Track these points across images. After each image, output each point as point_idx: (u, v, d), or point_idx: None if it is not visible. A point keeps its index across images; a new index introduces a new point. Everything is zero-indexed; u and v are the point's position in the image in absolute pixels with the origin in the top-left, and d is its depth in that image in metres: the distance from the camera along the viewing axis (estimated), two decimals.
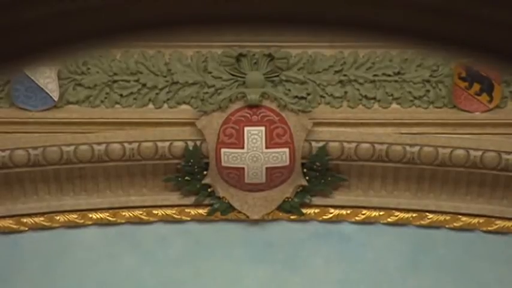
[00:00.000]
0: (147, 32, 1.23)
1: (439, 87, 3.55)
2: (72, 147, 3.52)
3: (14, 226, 3.60)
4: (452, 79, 3.54)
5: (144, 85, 3.58)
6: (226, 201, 3.62)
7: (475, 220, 3.60)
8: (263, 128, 3.53)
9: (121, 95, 3.60)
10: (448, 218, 3.61)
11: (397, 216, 3.62)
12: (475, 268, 3.63)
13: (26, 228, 3.61)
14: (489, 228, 3.60)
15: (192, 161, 3.57)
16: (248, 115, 3.57)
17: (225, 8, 1.11)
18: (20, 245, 3.63)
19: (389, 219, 3.61)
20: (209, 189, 3.62)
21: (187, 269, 3.63)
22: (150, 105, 3.58)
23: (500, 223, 3.59)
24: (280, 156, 3.54)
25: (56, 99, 3.53)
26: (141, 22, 1.12)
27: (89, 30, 1.12)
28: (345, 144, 3.55)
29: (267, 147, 3.55)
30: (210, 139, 3.54)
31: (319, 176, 3.62)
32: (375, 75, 3.57)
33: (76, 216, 3.60)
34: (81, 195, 3.64)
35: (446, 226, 3.62)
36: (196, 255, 3.63)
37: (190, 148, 3.56)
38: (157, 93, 3.59)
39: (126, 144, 3.54)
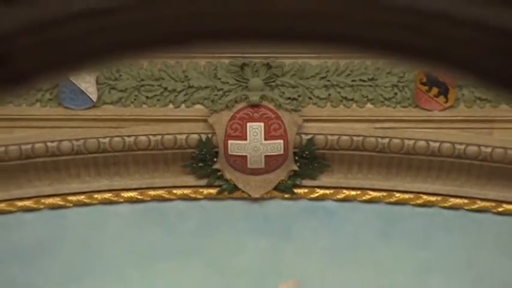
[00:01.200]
0: (168, 46, 1.32)
1: (405, 91, 4.14)
2: (107, 139, 4.15)
3: (61, 203, 4.22)
4: (415, 84, 4.13)
5: (165, 89, 4.18)
6: (232, 183, 4.20)
7: (434, 198, 4.19)
8: (262, 124, 4.11)
9: (147, 97, 4.20)
10: (412, 196, 4.21)
11: (370, 195, 4.21)
12: (434, 237, 4.23)
13: (71, 205, 4.25)
14: (445, 205, 4.20)
15: (204, 150, 4.17)
16: (250, 113, 4.13)
17: (232, 26, 1.22)
18: (65, 218, 4.30)
19: (364, 198, 4.21)
20: (218, 173, 4.20)
21: (201, 238, 4.21)
22: (171, 105, 4.18)
23: (454, 200, 4.19)
24: (276, 146, 4.14)
25: (94, 100, 4.14)
26: (163, 38, 1.24)
27: (122, 44, 1.23)
28: (329, 136, 4.15)
29: (265, 139, 4.12)
30: (219, 133, 4.14)
31: (308, 162, 4.19)
32: (353, 81, 4.17)
33: (111, 195, 4.21)
34: (115, 177, 4.27)
35: (411, 203, 4.22)
36: (208, 227, 4.23)
37: (203, 140, 4.14)
38: (176, 95, 4.19)
39: (151, 137, 4.15)
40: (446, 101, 4.06)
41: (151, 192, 4.19)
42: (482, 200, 4.17)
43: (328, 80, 4.12)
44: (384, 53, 1.20)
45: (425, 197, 4.16)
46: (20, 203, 4.12)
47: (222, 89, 4.13)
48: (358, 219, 4.21)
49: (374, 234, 4.18)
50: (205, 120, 4.12)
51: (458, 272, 4.14)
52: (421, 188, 4.18)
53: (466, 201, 4.12)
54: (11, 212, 4.19)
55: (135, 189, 4.21)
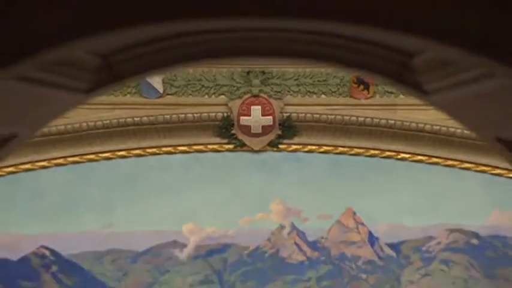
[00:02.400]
0: (204, 59, 2.06)
1: (344, 86, 6.94)
2: (168, 116, 7.00)
3: (138, 152, 7.12)
4: (350, 82, 6.92)
5: (202, 85, 7.01)
6: (242, 141, 7.04)
7: (362, 150, 7.01)
8: (260, 107, 6.93)
9: (192, 90, 7.05)
10: (349, 149, 7.09)
11: (324, 149, 7.09)
12: (362, 173, 7.13)
13: (147, 154, 7.17)
14: (367, 154, 7.11)
15: (226, 122, 7.00)
16: (253, 100, 6.95)
17: (241, 47, 1.89)
18: (143, 162, 7.18)
19: (320, 150, 7.10)
20: (234, 136, 7.03)
21: (223, 173, 7.09)
22: (206, 96, 7.01)
23: (373, 151, 7.02)
24: (268, 120, 6.98)
25: (161, 92, 6.96)
26: (199, 54, 1.87)
27: (177, 58, 1.85)
28: (300, 114, 7.01)
29: (261, 116, 6.95)
30: (234, 112, 6.97)
31: (287, 129, 7.02)
32: (313, 81, 6.98)
33: (171, 149, 7.06)
34: (172, 139, 7.15)
35: (348, 153, 7.11)
36: (227, 167, 7.12)
37: (225, 116, 6.97)
38: (209, 89, 7.00)
39: (194, 114, 7.01)
40: (368, 93, 6.89)
41: (195, 147, 7.09)
42: (391, 151, 7.07)
43: (299, 81, 6.97)
44: (327, 63, 2.05)
45: (356, 149, 7.04)
46: (120, 153, 7.04)
47: (236, 86, 6.97)
48: (317, 161, 7.12)
49: (325, 171, 7.07)
50: (226, 105, 6.95)
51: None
52: (354, 144, 7.04)
53: (378, 151, 7.01)
54: (111, 158, 7.11)
55: (184, 145, 7.10)
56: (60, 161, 6.96)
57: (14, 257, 6.48)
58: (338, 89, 6.91)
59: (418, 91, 2.10)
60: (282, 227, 6.99)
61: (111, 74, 2.06)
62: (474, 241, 6.71)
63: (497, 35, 1.40)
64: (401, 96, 6.87)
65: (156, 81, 6.92)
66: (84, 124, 6.91)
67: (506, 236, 6.81)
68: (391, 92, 6.91)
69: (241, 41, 1.88)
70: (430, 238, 6.77)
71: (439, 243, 6.64)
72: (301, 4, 1.33)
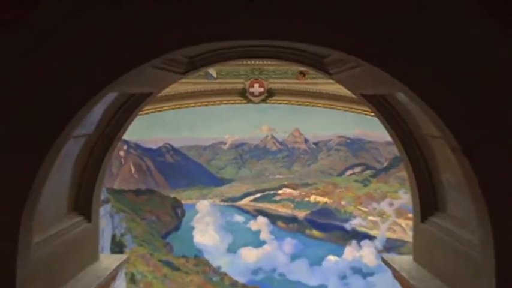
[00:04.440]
0: (235, 59, 4.88)
1: (294, 75, 15.27)
2: (217, 87, 15.43)
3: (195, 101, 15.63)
4: (296, 73, 15.24)
5: (233, 74, 15.35)
6: (250, 99, 15.65)
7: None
8: (258, 84, 15.49)
9: (228, 76, 15.39)
10: (301, 103, 15.65)
11: (286, 102, 15.69)
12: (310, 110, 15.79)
13: (195, 106, 15.66)
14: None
15: (243, 91, 15.57)
16: (254, 81, 15.48)
17: (248, 53, 4.59)
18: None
19: (285, 103, 15.69)
20: (247, 96, 15.61)
21: (235, 115, 17.61)
22: (235, 79, 15.39)
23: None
24: (261, 90, 15.54)
25: (214, 76, 15.29)
26: (233, 57, 4.49)
27: (224, 58, 4.60)
28: (276, 86, 15.49)
29: (258, 88, 15.53)
30: (246, 86, 15.54)
31: (270, 94, 15.59)
32: (282, 72, 15.35)
33: (210, 104, 15.69)
34: (214, 98, 15.62)
35: (302, 106, 15.69)
36: (239, 112, 16.26)
37: (242, 88, 15.50)
38: (235, 75, 15.38)
39: (228, 86, 15.46)
40: (304, 77, 15.20)
41: (229, 102, 15.59)
42: (317, 104, 15.65)
43: (275, 72, 15.28)
44: (284, 61, 5.15)
45: (297, 101, 15.58)
46: (192, 105, 15.45)
47: (247, 74, 15.37)
48: (284, 109, 15.70)
49: (287, 112, 15.92)
50: (243, 83, 15.42)
51: None
52: (299, 102, 15.60)
53: (309, 103, 15.54)
54: (192, 106, 15.60)
55: (223, 101, 15.62)
56: (171, 106, 15.49)
57: (155, 146, 20.07)
58: (292, 75, 15.22)
59: (326, 74, 3.71)
60: (267, 136, 16.92)
61: (193, 66, 3.55)
62: (348, 140, 16.29)
63: (367, 41, 2.56)
64: (319, 79, 15.18)
65: (212, 70, 15.19)
66: (179, 91, 15.35)
67: (362, 139, 15.85)
68: (314, 77, 15.16)
69: (248, 51, 3.64)
70: (329, 139, 16.33)
71: (332, 140, 15.97)
72: (270, 33, 2.70)
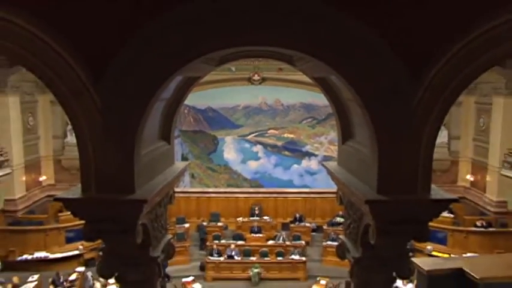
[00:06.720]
0: (242, 58, 4.15)
1: (276, 69, 18.64)
2: (234, 76, 20.24)
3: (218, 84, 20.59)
4: (277, 69, 18.91)
5: (238, 68, 18.37)
6: (253, 82, 19.86)
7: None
8: (257, 74, 19.46)
9: (240, 69, 19.28)
10: (280, 84, 19.90)
11: (274, 85, 20.73)
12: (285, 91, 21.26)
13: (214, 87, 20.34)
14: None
15: (250, 78, 19.77)
16: (255, 73, 19.41)
17: (250, 52, 4.01)
18: (222, 91, 20.79)
19: (272, 85, 20.86)
20: (251, 81, 19.85)
21: (244, 91, 21.13)
22: (244, 71, 19.43)
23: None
24: (260, 77, 19.42)
25: (233, 70, 18.87)
26: (241, 56, 3.99)
27: (236, 58, 4.07)
28: (269, 75, 18.94)
29: (258, 77, 19.34)
30: (251, 75, 19.49)
31: (264, 80, 19.02)
32: (272, 67, 18.91)
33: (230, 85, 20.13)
34: (232, 83, 20.70)
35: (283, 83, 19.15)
36: (250, 90, 21.09)
37: (249, 76, 19.82)
38: (244, 69, 19.19)
39: (241, 76, 19.42)
40: (283, 71, 18.50)
41: (240, 83, 20.96)
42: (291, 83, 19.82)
43: (269, 67, 19.33)
44: (273, 59, 4.27)
45: (280, 83, 20.96)
46: (218, 84, 19.98)
47: (250, 68, 19.11)
48: (273, 89, 21.17)
49: (272, 91, 21.51)
50: (249, 74, 19.92)
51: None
52: (279, 84, 20.45)
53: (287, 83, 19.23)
54: (218, 87, 20.17)
55: (238, 80, 21.61)
56: (210, 86, 20.11)
57: (203, 107, 23.02)
58: (275, 69, 18.83)
59: (294, 66, 3.98)
60: (261, 101, 22.09)
61: (221, 62, 3.91)
62: (305, 105, 22.79)
63: (322, 41, 2.82)
64: (290, 71, 17.89)
65: (232, 65, 17.56)
66: (215, 78, 18.06)
67: (312, 104, 22.18)
68: (288, 69, 17.66)
69: (252, 52, 3.75)
70: (295, 104, 23.26)
71: (296, 104, 23.58)
72: (260, 41, 2.93)
